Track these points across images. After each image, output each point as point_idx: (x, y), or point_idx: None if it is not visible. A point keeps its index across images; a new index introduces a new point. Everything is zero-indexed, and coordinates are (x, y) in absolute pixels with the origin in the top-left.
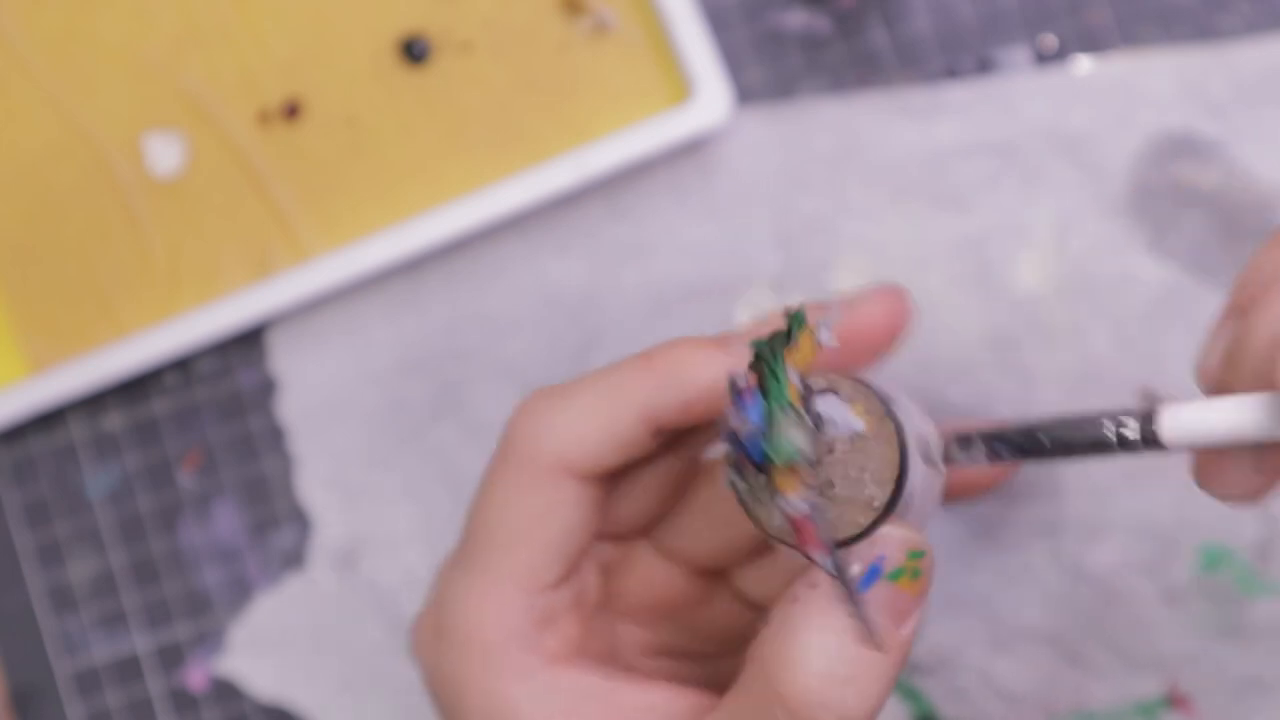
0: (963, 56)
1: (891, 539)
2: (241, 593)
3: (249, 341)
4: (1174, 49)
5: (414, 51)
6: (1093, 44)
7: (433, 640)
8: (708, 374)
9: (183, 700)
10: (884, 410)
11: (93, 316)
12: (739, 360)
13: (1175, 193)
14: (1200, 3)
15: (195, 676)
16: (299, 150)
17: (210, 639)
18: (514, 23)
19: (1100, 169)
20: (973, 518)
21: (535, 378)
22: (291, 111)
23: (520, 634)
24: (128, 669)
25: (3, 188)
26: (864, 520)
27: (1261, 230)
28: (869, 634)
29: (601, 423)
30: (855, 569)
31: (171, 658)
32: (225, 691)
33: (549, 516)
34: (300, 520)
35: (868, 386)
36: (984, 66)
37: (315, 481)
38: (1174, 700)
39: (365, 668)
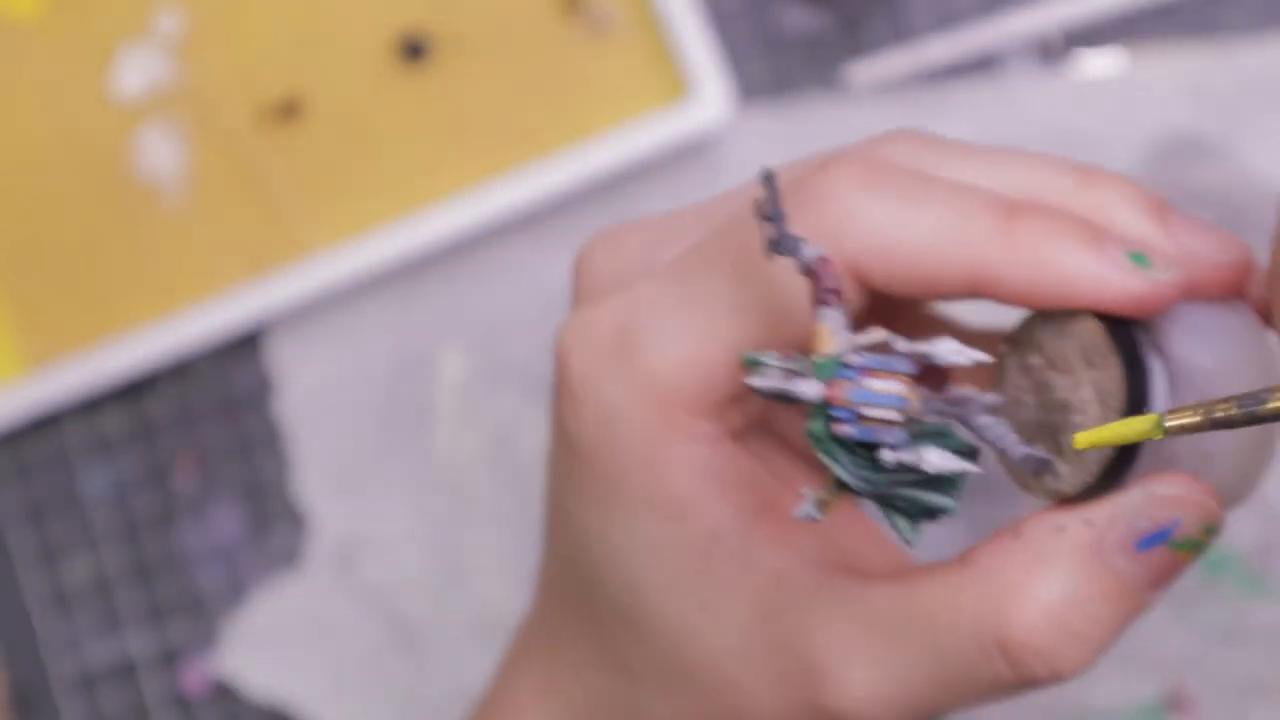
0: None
1: (1197, 507)
2: (238, 593)
3: (246, 341)
4: (1178, 47)
5: (413, 50)
6: (1096, 42)
7: (609, 352)
8: (1075, 273)
9: (179, 701)
10: (1112, 345)
11: (90, 316)
12: (1116, 269)
13: (1180, 193)
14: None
15: (192, 678)
16: (298, 149)
17: (207, 640)
18: (513, 21)
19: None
20: (973, 517)
21: (533, 378)
22: (291, 110)
23: (712, 394)
24: (124, 670)
25: (2, 188)
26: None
27: (1267, 229)
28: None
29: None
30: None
31: (168, 659)
32: (222, 692)
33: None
34: (297, 521)
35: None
36: (987, 65)
37: (312, 482)
38: (1175, 703)
39: (362, 667)
